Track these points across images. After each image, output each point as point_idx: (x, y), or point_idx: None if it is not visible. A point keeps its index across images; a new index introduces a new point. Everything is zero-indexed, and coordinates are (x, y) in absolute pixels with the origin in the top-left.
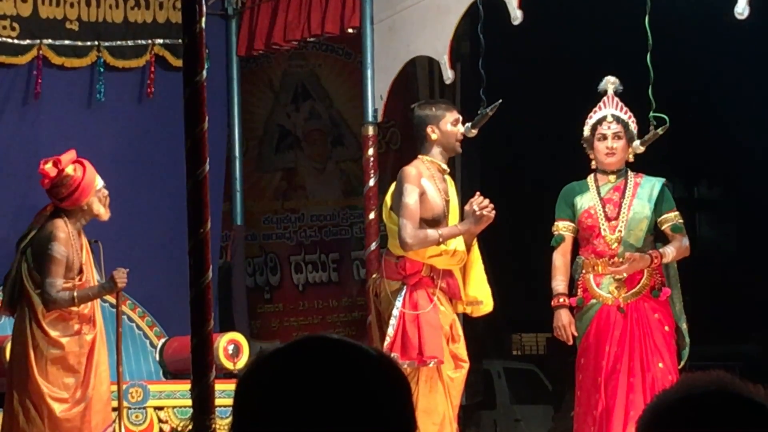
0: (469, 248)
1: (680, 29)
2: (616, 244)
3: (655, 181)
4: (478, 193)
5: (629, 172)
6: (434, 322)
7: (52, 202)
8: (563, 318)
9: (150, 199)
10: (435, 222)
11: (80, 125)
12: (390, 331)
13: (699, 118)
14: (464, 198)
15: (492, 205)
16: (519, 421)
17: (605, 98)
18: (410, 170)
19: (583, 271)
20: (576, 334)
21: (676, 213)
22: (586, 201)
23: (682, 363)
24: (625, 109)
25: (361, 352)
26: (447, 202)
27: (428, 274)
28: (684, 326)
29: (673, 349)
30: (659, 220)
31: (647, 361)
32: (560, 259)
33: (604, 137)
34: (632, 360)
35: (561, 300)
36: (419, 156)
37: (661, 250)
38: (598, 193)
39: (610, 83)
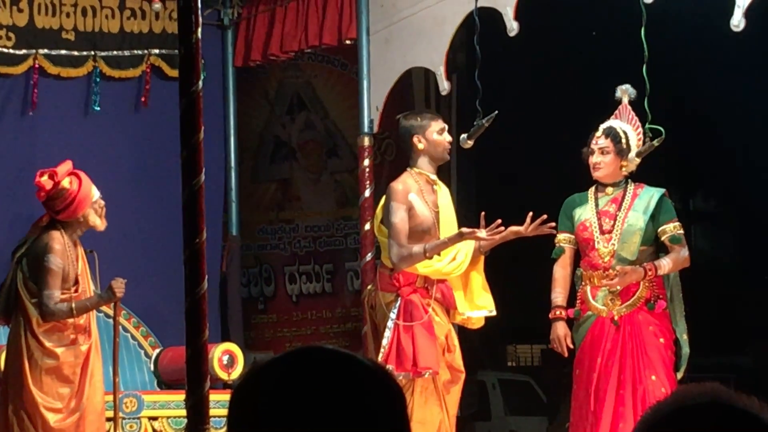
0: (475, 263)
1: (676, 41)
2: (609, 257)
3: (654, 191)
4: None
5: (629, 184)
6: (429, 333)
7: (48, 213)
8: (559, 330)
9: (146, 209)
10: (425, 235)
11: (76, 135)
12: (385, 342)
13: (695, 130)
14: (457, 210)
15: (484, 233)
16: None
17: (620, 107)
18: (397, 187)
19: (582, 283)
20: (572, 346)
21: (676, 224)
22: (584, 213)
23: (680, 374)
24: (634, 119)
25: (356, 363)
26: (436, 213)
27: (423, 285)
28: (684, 337)
29: (667, 362)
30: (659, 231)
31: (639, 374)
32: (560, 271)
33: (593, 152)
34: (623, 372)
35: (558, 312)
36: (407, 169)
37: (656, 262)
38: (596, 206)
39: (622, 92)
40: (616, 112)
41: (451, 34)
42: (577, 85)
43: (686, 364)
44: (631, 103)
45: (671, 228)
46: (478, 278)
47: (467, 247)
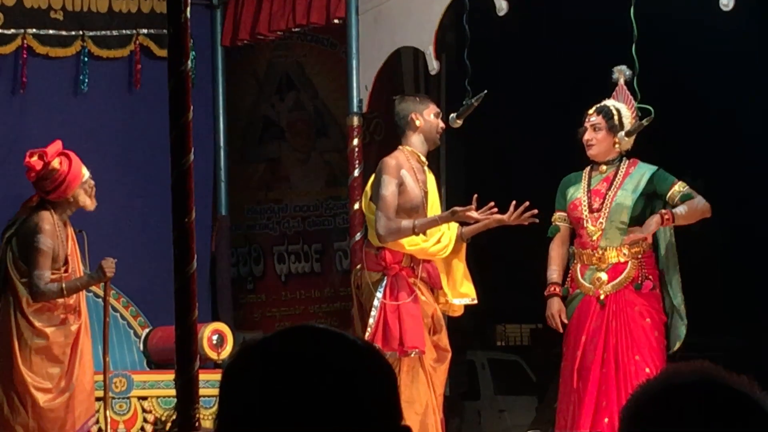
0: (457, 251)
1: (666, 21)
2: (597, 236)
3: (646, 170)
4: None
5: (623, 161)
6: (415, 313)
7: (38, 193)
8: (553, 307)
9: (135, 189)
10: (413, 212)
11: (66, 115)
12: (371, 321)
13: (683, 110)
14: (447, 190)
15: (477, 214)
16: (503, 412)
17: (617, 88)
18: (390, 161)
19: (574, 261)
20: (566, 321)
21: (680, 184)
22: (576, 192)
23: (680, 343)
24: (630, 99)
25: (347, 342)
26: (426, 193)
27: (408, 264)
28: (682, 307)
29: (653, 342)
30: (668, 198)
31: (622, 353)
32: (555, 249)
33: (586, 130)
34: (607, 351)
35: (553, 289)
36: (400, 146)
37: (674, 209)
38: (588, 185)
39: (619, 72)
40: (614, 93)
41: (440, 13)
42: (568, 64)
43: (684, 335)
44: (628, 83)
45: (678, 189)
46: (460, 266)
47: (451, 232)
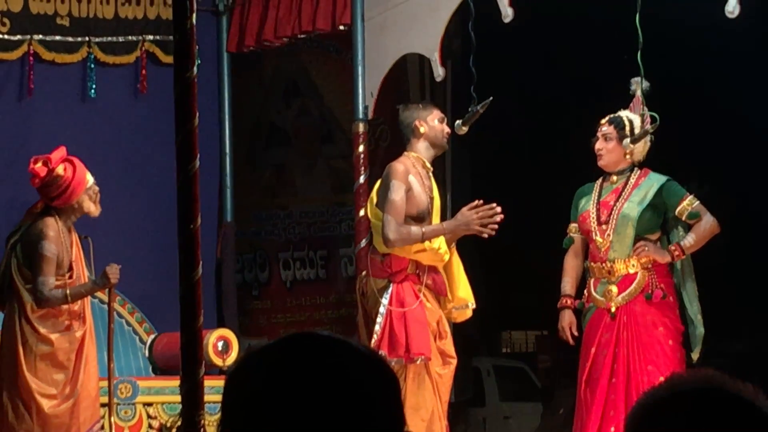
0: (449, 250)
1: (671, 28)
2: (605, 247)
3: (655, 181)
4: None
5: (634, 172)
6: (421, 319)
7: (43, 200)
8: (564, 319)
9: (141, 195)
10: (419, 218)
11: (72, 121)
12: (377, 328)
13: (689, 117)
14: (452, 198)
15: (487, 219)
16: (508, 419)
17: (633, 99)
18: (398, 166)
19: (589, 276)
20: (576, 334)
21: (689, 200)
22: (587, 204)
23: (696, 354)
24: (644, 109)
25: (351, 349)
26: (431, 199)
27: (414, 271)
28: (699, 317)
29: (667, 351)
30: (676, 213)
31: (634, 365)
32: (570, 261)
33: (598, 139)
34: (617, 362)
35: (565, 301)
36: (405, 152)
37: (681, 242)
38: (599, 196)
39: (635, 84)
40: (631, 104)
41: (445, 20)
42: (572, 71)
43: (699, 343)
44: (624, 89)
45: (686, 205)
46: (457, 271)
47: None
